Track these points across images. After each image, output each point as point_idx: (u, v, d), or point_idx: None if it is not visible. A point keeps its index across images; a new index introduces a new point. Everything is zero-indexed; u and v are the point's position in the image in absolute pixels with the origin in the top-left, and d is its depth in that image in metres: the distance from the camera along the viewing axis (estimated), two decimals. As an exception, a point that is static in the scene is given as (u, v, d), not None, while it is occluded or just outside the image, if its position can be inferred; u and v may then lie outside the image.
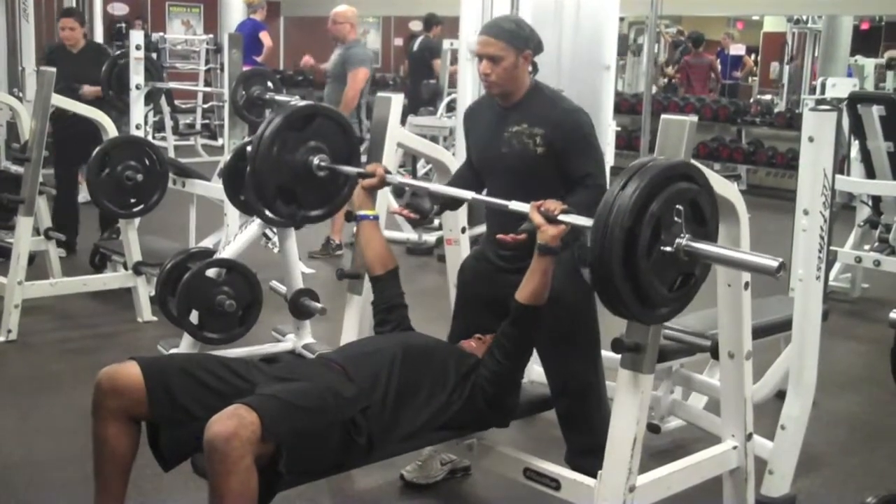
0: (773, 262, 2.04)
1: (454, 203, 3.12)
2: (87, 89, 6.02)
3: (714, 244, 2.11)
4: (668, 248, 2.04)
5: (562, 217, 2.40)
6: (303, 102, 3.06)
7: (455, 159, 3.50)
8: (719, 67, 13.35)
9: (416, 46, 10.41)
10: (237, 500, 2.15)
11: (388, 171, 2.99)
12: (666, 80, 13.65)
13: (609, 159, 6.62)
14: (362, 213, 3.00)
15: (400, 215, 3.07)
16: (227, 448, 2.12)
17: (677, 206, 2.05)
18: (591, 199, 2.79)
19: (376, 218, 3.02)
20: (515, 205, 2.55)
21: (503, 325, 2.63)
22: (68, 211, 6.20)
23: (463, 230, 3.45)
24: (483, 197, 2.79)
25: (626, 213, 1.98)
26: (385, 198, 3.25)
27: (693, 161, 2.19)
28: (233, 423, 2.15)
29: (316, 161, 2.91)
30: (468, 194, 2.83)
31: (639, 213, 2.00)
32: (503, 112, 2.93)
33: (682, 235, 2.06)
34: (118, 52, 6.43)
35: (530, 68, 2.89)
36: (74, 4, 9.40)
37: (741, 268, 2.12)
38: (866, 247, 5.91)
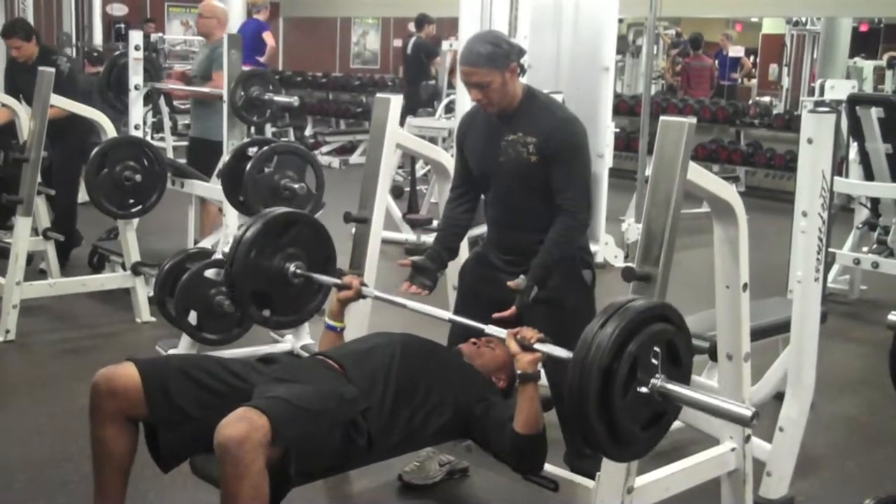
0: (746, 412, 2.03)
1: (453, 253, 3.15)
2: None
3: (688, 388, 2.11)
4: (644, 389, 2.06)
5: (538, 346, 2.41)
6: (282, 209, 3.03)
7: (453, 161, 3.50)
8: (716, 71, 13.34)
9: (409, 48, 10.42)
10: (250, 503, 2.15)
11: (364, 284, 2.96)
12: (666, 84, 13.64)
13: (608, 161, 6.67)
14: (331, 323, 2.96)
15: (408, 291, 3.04)
16: (239, 451, 2.12)
17: (654, 348, 2.07)
18: (563, 232, 2.87)
19: (342, 330, 2.97)
20: (492, 329, 2.56)
21: (505, 446, 2.56)
22: (66, 219, 6.01)
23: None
24: (458, 318, 2.76)
25: (605, 353, 1.99)
26: (384, 200, 3.25)
27: (669, 304, 2.19)
28: (244, 426, 2.14)
29: (292, 269, 2.91)
30: (445, 314, 2.81)
31: (617, 353, 2.01)
32: (498, 122, 2.94)
33: (657, 376, 2.08)
34: (117, 53, 6.40)
35: (519, 72, 2.90)
36: (73, 7, 9.43)
37: (714, 415, 2.14)
38: (865, 249, 5.91)
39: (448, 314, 2.83)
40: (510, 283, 2.85)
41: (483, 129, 3.00)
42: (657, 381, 2.07)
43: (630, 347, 2.02)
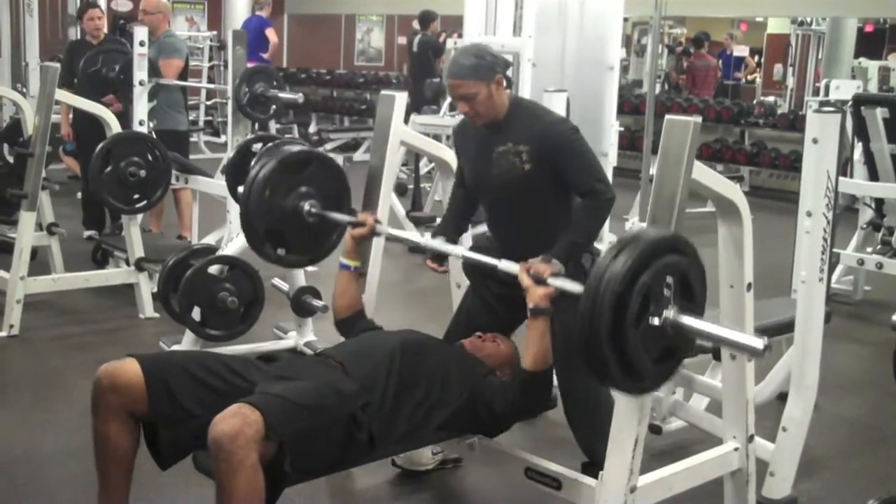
0: (758, 343, 2.01)
1: (460, 232, 3.22)
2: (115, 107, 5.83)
3: (701, 319, 2.10)
4: (656, 321, 2.04)
5: (551, 281, 2.42)
6: (297, 147, 3.05)
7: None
8: (720, 71, 13.32)
9: (415, 45, 10.39)
10: (244, 499, 2.15)
11: (378, 221, 2.98)
12: (672, 85, 13.60)
13: (612, 160, 6.65)
14: (345, 262, 2.99)
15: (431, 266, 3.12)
16: (232, 447, 2.13)
17: (667, 279, 2.05)
18: (591, 211, 2.89)
19: (356, 269, 3.01)
20: (505, 264, 2.58)
21: (514, 385, 2.61)
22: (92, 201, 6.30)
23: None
24: (472, 254, 2.78)
25: (618, 282, 1.98)
26: (388, 197, 3.25)
27: (682, 235, 2.18)
28: (237, 421, 2.15)
29: (307, 207, 2.91)
30: (459, 250, 2.86)
31: (630, 283, 2.00)
32: (488, 133, 2.95)
33: (669, 308, 2.06)
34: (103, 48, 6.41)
35: (505, 84, 2.90)
36: (78, 2, 9.43)
37: (726, 346, 2.11)
38: (869, 249, 5.91)
39: (462, 250, 2.86)
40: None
41: (475, 142, 3.02)
42: (670, 312, 2.05)
43: (643, 278, 2.00)
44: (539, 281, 2.45)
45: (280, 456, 2.23)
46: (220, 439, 2.14)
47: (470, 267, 3.17)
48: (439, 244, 2.90)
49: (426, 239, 2.91)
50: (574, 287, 2.32)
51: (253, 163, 3.42)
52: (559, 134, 2.88)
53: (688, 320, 2.06)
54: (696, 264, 2.14)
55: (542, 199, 2.90)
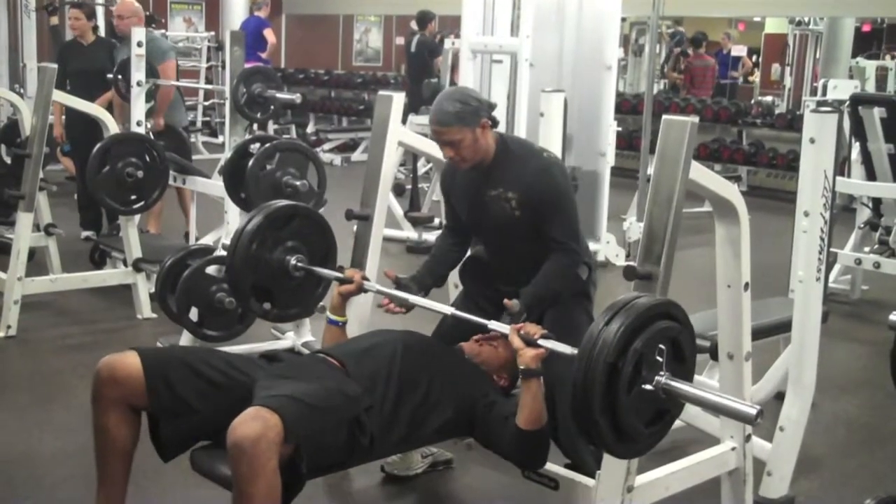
0: (750, 410, 2.02)
1: (440, 280, 3.16)
2: (101, 99, 5.94)
3: (692, 385, 2.11)
4: (648, 386, 2.06)
5: (542, 342, 2.42)
6: (284, 202, 3.04)
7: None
8: (716, 68, 13.34)
9: (413, 46, 10.40)
10: (264, 502, 2.15)
11: (365, 278, 2.96)
12: (669, 83, 13.60)
13: (610, 159, 6.67)
14: (332, 318, 2.96)
15: (385, 307, 2.96)
16: (255, 450, 2.12)
17: (660, 345, 2.07)
18: (558, 267, 2.91)
19: (344, 325, 2.97)
20: (494, 325, 2.57)
21: (507, 442, 2.57)
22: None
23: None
24: (461, 314, 2.75)
25: (611, 349, 1.99)
26: (385, 198, 3.25)
27: (674, 301, 2.18)
28: (258, 424, 2.14)
29: (293, 261, 2.90)
30: (447, 309, 2.82)
31: (622, 349, 2.01)
32: (478, 176, 2.95)
33: (661, 374, 2.07)
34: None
35: (491, 125, 2.89)
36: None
37: (719, 412, 2.12)
38: (866, 249, 5.91)
39: (450, 309, 2.84)
40: (505, 302, 2.88)
41: (466, 184, 3.01)
42: (661, 378, 2.06)
43: (635, 344, 2.02)
44: (530, 343, 2.44)
45: (296, 458, 2.23)
46: (241, 443, 2.12)
47: (468, 272, 3.17)
48: (426, 303, 2.84)
49: (414, 297, 2.85)
50: (565, 349, 2.33)
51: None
52: (546, 183, 2.88)
53: (679, 386, 2.07)
54: (688, 329, 2.16)
55: (533, 243, 2.93)
